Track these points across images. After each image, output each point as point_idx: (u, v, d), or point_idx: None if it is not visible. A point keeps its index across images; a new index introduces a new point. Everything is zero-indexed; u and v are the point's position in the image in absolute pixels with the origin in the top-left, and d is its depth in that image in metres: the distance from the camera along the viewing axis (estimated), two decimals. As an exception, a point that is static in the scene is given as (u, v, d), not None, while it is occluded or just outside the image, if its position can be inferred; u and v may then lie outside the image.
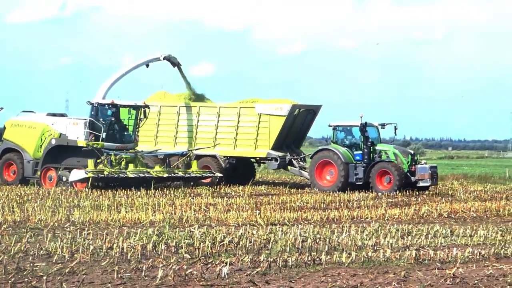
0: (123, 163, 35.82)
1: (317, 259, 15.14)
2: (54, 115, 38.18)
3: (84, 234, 17.88)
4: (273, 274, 13.53)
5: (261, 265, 14.21)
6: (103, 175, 34.07)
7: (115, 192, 31.60)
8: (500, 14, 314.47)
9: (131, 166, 35.66)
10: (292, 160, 39.74)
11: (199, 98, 43.22)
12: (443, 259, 15.82)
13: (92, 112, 36.35)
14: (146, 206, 26.01)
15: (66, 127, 36.51)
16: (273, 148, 39.14)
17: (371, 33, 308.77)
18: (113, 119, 36.61)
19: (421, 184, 36.88)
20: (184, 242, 16.78)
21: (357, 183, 37.30)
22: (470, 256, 16.28)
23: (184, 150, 40.26)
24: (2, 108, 46.77)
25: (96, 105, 36.60)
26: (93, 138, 35.46)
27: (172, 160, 39.22)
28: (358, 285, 12.60)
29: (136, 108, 37.63)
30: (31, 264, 13.52)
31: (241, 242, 17.16)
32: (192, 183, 38.08)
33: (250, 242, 17.33)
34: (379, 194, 35.05)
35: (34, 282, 11.97)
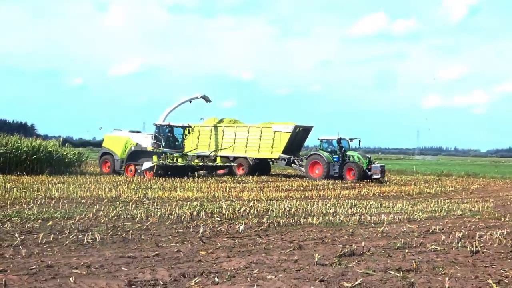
0: (175, 159, 36.60)
1: (298, 221, 15.17)
2: (133, 131, 38.80)
3: (154, 205, 17.93)
4: (271, 230, 13.56)
5: (264, 225, 14.26)
6: (163, 163, 34.75)
7: (173, 179, 31.63)
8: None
9: (180, 160, 36.64)
10: (294, 160, 40.09)
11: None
12: (376, 221, 15.83)
13: (156, 130, 36.91)
14: (193, 188, 26.04)
15: (140, 139, 37.24)
16: (283, 153, 39.51)
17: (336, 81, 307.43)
18: (169, 134, 37.13)
19: (374, 176, 37.08)
20: (216, 210, 16.81)
21: (334, 175, 37.67)
22: (392, 220, 16.31)
23: (211, 152, 41.68)
24: (101, 128, 47.06)
25: (158, 125, 37.28)
26: (156, 145, 35.96)
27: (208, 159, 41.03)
28: (324, 237, 12.64)
29: (183, 127, 38.14)
30: (122, 224, 13.58)
31: (251, 211, 17.19)
32: (215, 171, 39.49)
33: (256, 210, 17.36)
34: (348, 182, 35.30)
35: (124, 234, 12.04)
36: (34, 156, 33.12)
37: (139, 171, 35.01)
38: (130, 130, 39.11)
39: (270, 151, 40.12)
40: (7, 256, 9.31)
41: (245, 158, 40.74)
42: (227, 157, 41.14)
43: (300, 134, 41.16)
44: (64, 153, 36.06)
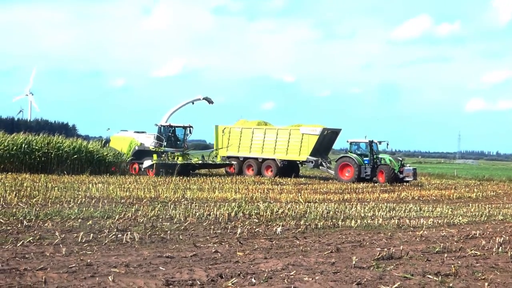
0: (176, 158, 37.90)
1: (336, 224, 15.12)
2: (138, 132, 40.44)
3: (193, 205, 18.03)
4: (309, 232, 13.54)
5: (301, 227, 14.23)
6: (162, 162, 36.08)
7: (212, 179, 31.77)
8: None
9: (180, 158, 37.78)
10: (322, 162, 39.80)
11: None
12: (415, 225, 15.69)
13: (158, 130, 38.54)
14: (231, 189, 26.12)
15: (144, 139, 38.81)
16: (310, 155, 39.31)
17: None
18: (170, 134, 38.64)
19: (407, 179, 37.02)
20: (254, 212, 16.83)
21: (366, 177, 37.52)
22: (431, 224, 16.14)
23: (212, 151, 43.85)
24: (109, 129, 48.89)
25: (160, 126, 38.89)
26: (158, 145, 37.51)
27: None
28: (362, 240, 12.57)
29: (184, 127, 39.45)
30: (160, 224, 13.68)
31: (288, 212, 17.17)
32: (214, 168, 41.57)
33: (294, 212, 17.33)
34: (387, 185, 35.01)
35: (162, 234, 12.13)
36: (75, 156, 33.60)
37: (142, 168, 36.33)
38: (135, 131, 40.66)
39: (298, 153, 40.08)
40: (48, 254, 9.45)
41: (274, 159, 40.71)
42: (256, 159, 41.42)
43: (328, 137, 41.21)
44: (105, 154, 36.46)
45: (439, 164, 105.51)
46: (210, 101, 43.61)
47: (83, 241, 10.82)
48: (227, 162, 41.33)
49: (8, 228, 12.03)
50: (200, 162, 39.47)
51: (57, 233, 11.37)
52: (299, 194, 25.46)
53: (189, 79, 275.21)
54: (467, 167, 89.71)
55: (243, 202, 20.21)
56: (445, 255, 10.91)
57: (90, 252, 9.82)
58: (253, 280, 8.21)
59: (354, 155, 38.14)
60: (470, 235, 14.01)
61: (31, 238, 10.80)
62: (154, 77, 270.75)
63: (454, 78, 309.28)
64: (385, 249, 10.95)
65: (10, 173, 29.53)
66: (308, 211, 17.91)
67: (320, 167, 40.29)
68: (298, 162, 41.80)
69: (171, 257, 9.66)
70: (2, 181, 23.96)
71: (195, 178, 33.16)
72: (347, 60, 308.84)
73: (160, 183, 27.91)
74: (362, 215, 17.71)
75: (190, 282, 7.97)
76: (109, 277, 7.89)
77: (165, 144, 37.55)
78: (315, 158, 39.38)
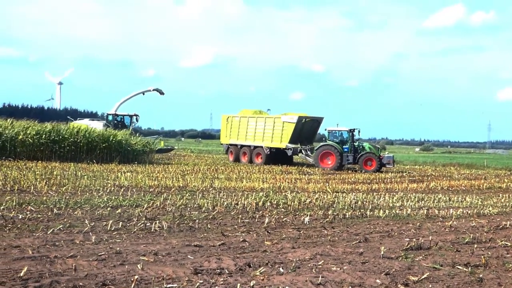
0: None
1: (364, 214, 15.07)
2: (92, 119, 45.81)
3: (221, 195, 18.10)
4: (336, 222, 13.51)
5: (329, 217, 14.21)
6: None
7: (241, 168, 31.81)
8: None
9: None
10: (302, 150, 40.54)
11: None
12: (444, 215, 15.58)
13: (106, 118, 43.89)
14: (258, 179, 26.14)
15: (96, 125, 40.76)
16: (290, 142, 40.32)
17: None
18: (117, 122, 43.02)
19: (388, 166, 38.06)
20: (281, 201, 16.84)
21: (348, 165, 38.92)
22: (461, 214, 16.01)
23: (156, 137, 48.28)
24: (69, 118, 51.12)
25: (107, 114, 44.25)
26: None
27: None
28: (390, 230, 12.52)
29: (130, 116, 44.17)
30: (189, 213, 13.76)
31: (316, 202, 17.15)
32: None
33: (322, 202, 17.31)
34: (363, 172, 36.10)
35: (190, 223, 12.20)
36: (104, 145, 33.87)
37: None
38: (90, 119, 45.58)
39: (280, 141, 41.05)
40: (78, 242, 9.56)
41: (261, 147, 41.96)
42: (249, 146, 42.79)
43: (309, 125, 41.97)
44: (133, 143, 36.70)
45: (468, 154, 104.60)
46: (161, 92, 47.03)
47: (112, 229, 10.92)
48: (169, 148, 48.19)
49: (39, 216, 12.18)
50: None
51: (86, 221, 11.49)
52: (327, 184, 25.41)
53: (220, 69, 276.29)
54: (497, 157, 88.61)
55: (271, 191, 20.23)
56: (475, 245, 10.82)
57: (119, 240, 9.91)
58: (281, 269, 8.22)
59: (334, 143, 38.70)
60: (500, 226, 13.88)
61: (61, 226, 10.93)
62: (184, 67, 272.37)
63: (486, 67, 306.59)
64: (414, 240, 10.90)
65: (40, 161, 29.85)
66: (336, 201, 17.88)
67: (299, 154, 41.16)
68: (282, 149, 42.59)
69: (199, 245, 9.71)
70: (32, 169, 24.23)
71: (222, 168, 33.22)
72: (378, 50, 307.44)
73: (188, 172, 28.02)
74: (391, 205, 17.64)
75: (218, 270, 8.00)
76: (138, 265, 7.95)
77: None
78: (293, 146, 40.31)
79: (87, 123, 41.19)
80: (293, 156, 42.44)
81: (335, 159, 38.12)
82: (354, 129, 38.82)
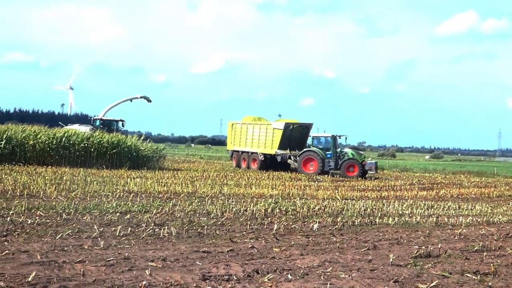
0: None
1: (373, 221, 15.03)
2: (81, 124, 45.84)
3: (230, 201, 18.09)
4: (345, 229, 13.47)
5: (338, 224, 14.17)
6: None
7: (250, 174, 31.80)
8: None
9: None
10: (291, 156, 40.86)
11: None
12: (453, 223, 15.52)
13: (92, 123, 44.71)
14: (268, 185, 26.13)
15: (85, 130, 40.18)
16: (279, 148, 41.02)
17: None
18: (102, 126, 43.48)
19: (370, 172, 38.23)
20: (290, 208, 16.81)
21: (330, 170, 38.89)
22: (470, 222, 15.94)
23: None
24: (61, 124, 52.39)
25: (94, 119, 45.31)
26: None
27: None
28: (399, 237, 12.48)
29: (116, 121, 45.31)
30: (198, 219, 13.75)
31: (325, 209, 17.12)
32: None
33: (331, 209, 17.28)
34: (347, 178, 36.19)
35: (199, 229, 12.19)
36: (114, 151, 33.97)
37: None
38: (79, 124, 45.94)
39: (271, 147, 41.76)
40: (86, 247, 9.56)
41: (256, 153, 42.71)
42: (247, 152, 43.54)
43: (297, 131, 42.65)
44: (143, 148, 36.77)
45: (478, 162, 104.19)
46: (148, 100, 47.90)
47: (121, 234, 10.92)
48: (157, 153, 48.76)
49: (48, 221, 12.20)
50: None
51: (95, 227, 11.49)
52: (336, 191, 25.37)
53: (231, 74, 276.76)
54: (507, 165, 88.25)
55: (280, 198, 20.21)
56: (484, 253, 10.75)
57: (127, 246, 9.91)
58: (289, 276, 8.19)
59: (317, 149, 39.26)
60: (510, 234, 13.80)
61: (70, 231, 10.94)
62: (195, 73, 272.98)
63: (497, 74, 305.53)
64: (423, 247, 10.84)
65: (50, 166, 29.95)
66: (345, 208, 17.84)
67: (288, 160, 41.48)
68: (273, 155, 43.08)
69: (207, 252, 9.70)
70: (42, 174, 24.31)
71: (232, 174, 33.23)
72: (390, 56, 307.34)
73: (197, 178, 28.04)
74: (400, 212, 17.58)
75: (226, 277, 7.98)
76: (146, 271, 7.94)
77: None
78: (282, 152, 40.87)
79: (77, 128, 41.64)
80: (289, 162, 42.78)
81: (317, 165, 38.83)
82: (337, 136, 39.59)
